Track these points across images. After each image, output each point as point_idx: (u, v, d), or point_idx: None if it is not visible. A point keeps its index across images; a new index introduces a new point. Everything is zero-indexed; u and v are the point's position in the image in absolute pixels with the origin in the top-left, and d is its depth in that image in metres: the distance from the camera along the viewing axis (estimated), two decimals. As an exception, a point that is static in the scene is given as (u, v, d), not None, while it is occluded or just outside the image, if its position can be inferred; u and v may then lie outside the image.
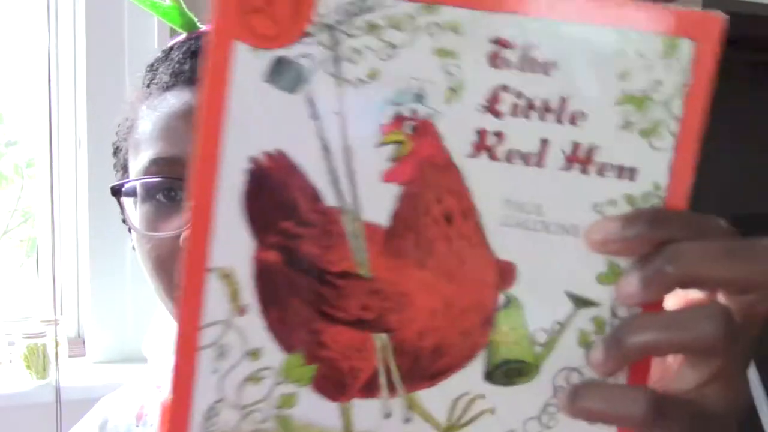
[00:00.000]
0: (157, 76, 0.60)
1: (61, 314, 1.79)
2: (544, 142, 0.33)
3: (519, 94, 0.32)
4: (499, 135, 0.33)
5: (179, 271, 0.34)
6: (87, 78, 1.68)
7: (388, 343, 0.34)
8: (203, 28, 0.65)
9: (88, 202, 1.70)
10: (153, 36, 1.68)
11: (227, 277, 0.33)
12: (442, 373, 0.34)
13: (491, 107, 0.32)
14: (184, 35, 0.64)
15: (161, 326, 1.50)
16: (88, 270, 1.73)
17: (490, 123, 0.32)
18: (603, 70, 0.32)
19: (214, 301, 0.33)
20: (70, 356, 1.71)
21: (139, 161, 0.59)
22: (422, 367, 0.34)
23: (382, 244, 0.33)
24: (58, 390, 1.54)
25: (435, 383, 0.34)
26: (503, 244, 0.33)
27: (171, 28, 1.82)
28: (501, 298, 0.33)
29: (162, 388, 0.72)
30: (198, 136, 0.32)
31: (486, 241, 0.33)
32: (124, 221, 0.61)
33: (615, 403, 0.32)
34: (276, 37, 0.32)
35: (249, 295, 0.33)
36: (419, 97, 0.32)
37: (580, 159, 0.33)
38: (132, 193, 0.60)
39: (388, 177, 0.33)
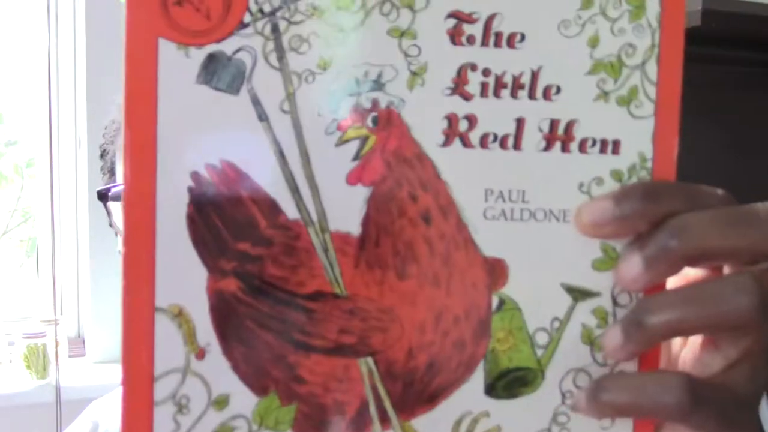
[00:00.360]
0: None
1: (61, 314, 1.80)
2: (520, 122, 0.30)
3: (486, 72, 0.29)
4: (470, 119, 0.30)
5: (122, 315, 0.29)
6: (87, 78, 1.68)
7: (375, 367, 0.30)
8: None
9: (88, 202, 1.71)
10: (153, 36, 1.68)
11: (179, 315, 0.29)
12: (440, 393, 0.30)
13: (459, 89, 0.29)
14: None
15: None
16: (88, 270, 1.73)
17: (459, 106, 0.29)
18: (571, 38, 0.30)
19: (167, 345, 0.29)
20: (70, 356, 1.72)
21: None
22: (416, 390, 0.30)
23: (356, 256, 0.29)
24: (58, 390, 1.54)
25: (433, 406, 0.30)
26: (489, 239, 0.30)
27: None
28: (494, 300, 0.30)
29: None
30: (127, 155, 0.28)
31: (471, 239, 0.30)
32: (111, 225, 0.60)
33: (647, 392, 0.28)
34: (207, 31, 0.28)
35: (207, 333, 0.29)
36: (379, 85, 0.29)
37: (559, 136, 0.30)
38: (119, 198, 0.59)
39: (354, 178, 0.29)
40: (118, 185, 0.59)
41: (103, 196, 0.59)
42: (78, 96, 1.75)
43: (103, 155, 0.66)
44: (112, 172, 0.64)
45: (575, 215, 0.30)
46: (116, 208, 0.59)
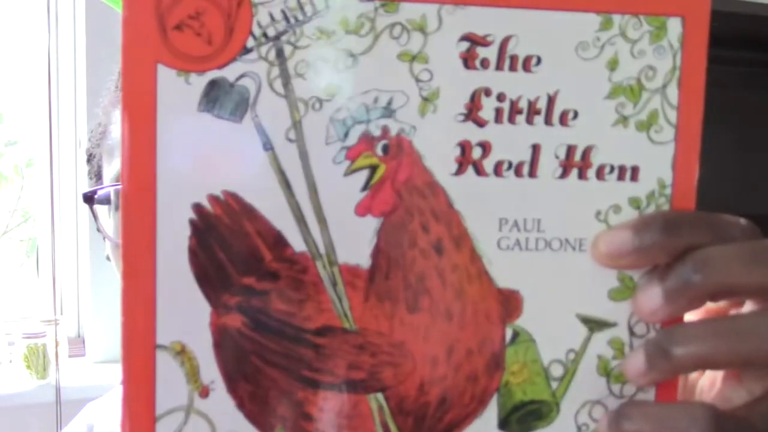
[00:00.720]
0: None
1: (61, 314, 1.79)
2: (535, 149, 0.29)
3: (501, 97, 0.29)
4: (484, 146, 0.29)
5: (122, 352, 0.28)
6: (87, 78, 1.68)
7: (385, 403, 0.29)
8: None
9: (88, 202, 1.70)
10: (153, 36, 1.68)
11: (182, 352, 0.28)
12: (452, 428, 0.30)
13: (472, 115, 0.29)
14: None
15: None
16: (88, 270, 1.73)
17: (472, 133, 0.29)
18: (589, 60, 0.29)
19: (169, 383, 0.28)
20: (70, 356, 1.71)
21: (113, 167, 0.57)
22: (428, 426, 0.30)
23: (365, 289, 0.29)
24: (58, 390, 1.54)
25: None
26: (503, 270, 0.29)
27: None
28: (508, 332, 0.30)
29: None
30: (125, 186, 0.27)
31: (484, 270, 0.29)
32: (98, 229, 0.59)
33: (672, 423, 0.27)
34: (208, 57, 0.27)
35: (211, 370, 0.28)
36: (389, 111, 0.28)
37: (576, 163, 0.29)
38: (106, 201, 0.57)
39: (363, 209, 0.28)
40: (104, 188, 0.57)
41: (88, 199, 0.57)
42: (78, 96, 1.75)
43: (89, 159, 0.65)
44: (98, 176, 0.62)
45: (592, 245, 0.29)
46: (102, 211, 0.58)
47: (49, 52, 1.67)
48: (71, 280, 1.82)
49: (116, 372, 1.67)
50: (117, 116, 0.58)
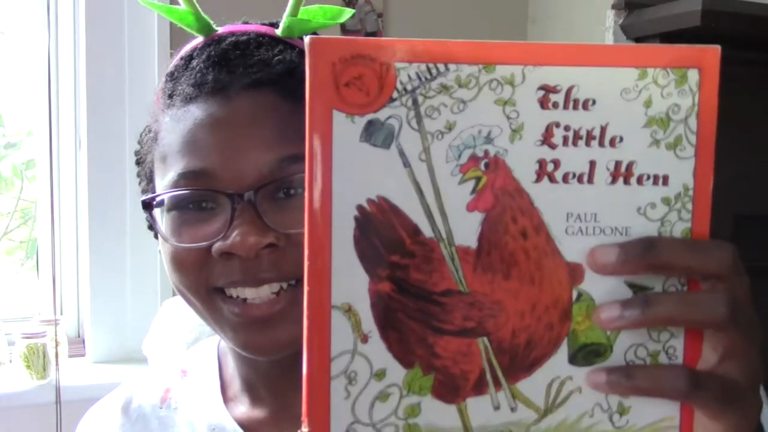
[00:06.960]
0: (179, 87, 0.61)
1: (61, 314, 1.80)
2: (592, 164, 0.41)
3: (567, 128, 0.40)
4: (555, 162, 0.40)
5: (304, 311, 0.39)
6: (87, 78, 1.68)
7: (489, 345, 0.41)
8: (219, 30, 0.65)
9: (88, 203, 1.70)
10: (153, 36, 1.68)
11: (349, 311, 0.40)
12: (536, 363, 0.42)
13: (547, 141, 0.40)
14: (200, 39, 0.65)
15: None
16: (88, 270, 1.73)
17: (547, 154, 0.40)
18: (631, 101, 0.41)
19: (340, 333, 0.40)
20: (70, 356, 1.71)
21: (167, 175, 0.61)
22: (519, 361, 0.41)
23: (474, 263, 0.41)
24: (58, 390, 1.54)
25: (531, 373, 0.42)
26: (570, 249, 0.41)
27: (171, 28, 1.79)
28: (574, 293, 0.41)
29: (188, 374, 0.74)
30: (309, 194, 0.39)
31: (556, 249, 0.41)
32: (150, 228, 0.64)
33: (660, 380, 0.40)
34: (366, 105, 0.39)
35: (369, 323, 0.40)
36: (489, 140, 0.40)
37: (622, 173, 0.41)
38: (160, 204, 0.62)
39: (472, 207, 0.40)
40: (163, 194, 0.61)
41: (147, 206, 0.62)
42: (78, 96, 1.75)
43: (139, 162, 0.68)
44: (149, 179, 0.66)
45: (591, 256, 0.41)
46: (158, 212, 0.62)
47: (49, 52, 1.67)
48: (71, 280, 1.83)
49: (116, 372, 1.67)
50: (168, 124, 0.62)
